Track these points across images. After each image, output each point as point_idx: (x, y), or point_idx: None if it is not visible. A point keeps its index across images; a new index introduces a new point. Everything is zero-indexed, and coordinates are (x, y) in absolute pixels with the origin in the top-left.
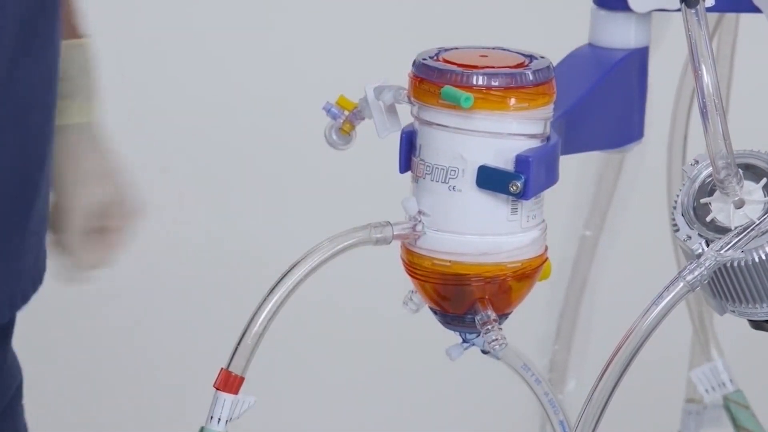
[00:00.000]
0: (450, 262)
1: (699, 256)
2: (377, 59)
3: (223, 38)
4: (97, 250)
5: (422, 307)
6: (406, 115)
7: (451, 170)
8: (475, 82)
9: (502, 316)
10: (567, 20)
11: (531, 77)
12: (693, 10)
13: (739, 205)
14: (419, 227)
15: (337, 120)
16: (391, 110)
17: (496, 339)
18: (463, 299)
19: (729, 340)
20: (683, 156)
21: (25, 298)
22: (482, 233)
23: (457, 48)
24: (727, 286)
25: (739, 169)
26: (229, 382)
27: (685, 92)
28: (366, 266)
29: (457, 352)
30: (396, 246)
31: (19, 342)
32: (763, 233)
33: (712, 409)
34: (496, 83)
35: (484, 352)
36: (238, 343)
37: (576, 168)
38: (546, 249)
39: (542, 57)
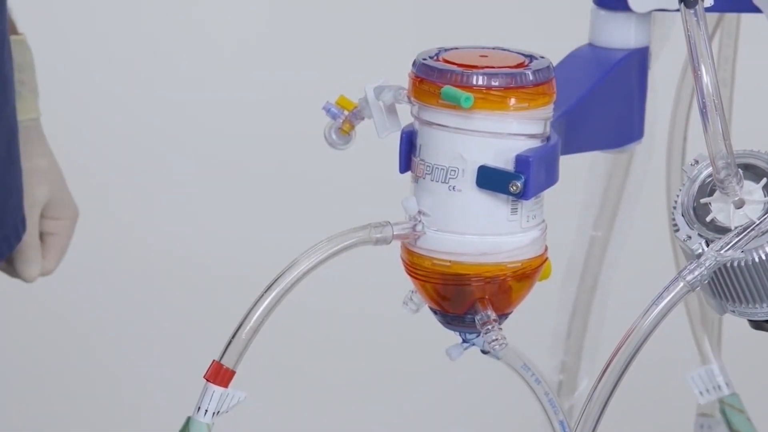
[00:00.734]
0: (450, 262)
1: (699, 256)
2: (377, 59)
3: (222, 37)
4: (45, 255)
5: (422, 307)
6: (406, 115)
7: (451, 170)
8: (475, 82)
9: (502, 316)
10: (567, 20)
11: (531, 77)
12: (692, 10)
13: (739, 205)
14: (419, 227)
15: (336, 120)
16: (391, 110)
17: (496, 339)
18: (463, 299)
19: (727, 342)
20: (683, 156)
21: None
22: (482, 233)
23: (457, 48)
24: (727, 286)
25: (739, 169)
26: (220, 375)
27: (685, 92)
28: (365, 267)
29: (457, 352)
30: (396, 246)
31: None
32: (763, 233)
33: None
34: (496, 83)
35: (484, 352)
36: (232, 337)
37: (585, 169)
38: (546, 249)
39: (542, 57)
